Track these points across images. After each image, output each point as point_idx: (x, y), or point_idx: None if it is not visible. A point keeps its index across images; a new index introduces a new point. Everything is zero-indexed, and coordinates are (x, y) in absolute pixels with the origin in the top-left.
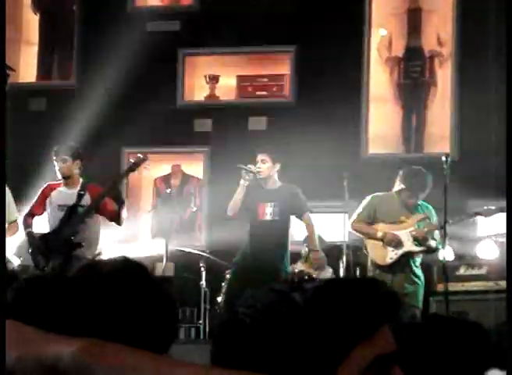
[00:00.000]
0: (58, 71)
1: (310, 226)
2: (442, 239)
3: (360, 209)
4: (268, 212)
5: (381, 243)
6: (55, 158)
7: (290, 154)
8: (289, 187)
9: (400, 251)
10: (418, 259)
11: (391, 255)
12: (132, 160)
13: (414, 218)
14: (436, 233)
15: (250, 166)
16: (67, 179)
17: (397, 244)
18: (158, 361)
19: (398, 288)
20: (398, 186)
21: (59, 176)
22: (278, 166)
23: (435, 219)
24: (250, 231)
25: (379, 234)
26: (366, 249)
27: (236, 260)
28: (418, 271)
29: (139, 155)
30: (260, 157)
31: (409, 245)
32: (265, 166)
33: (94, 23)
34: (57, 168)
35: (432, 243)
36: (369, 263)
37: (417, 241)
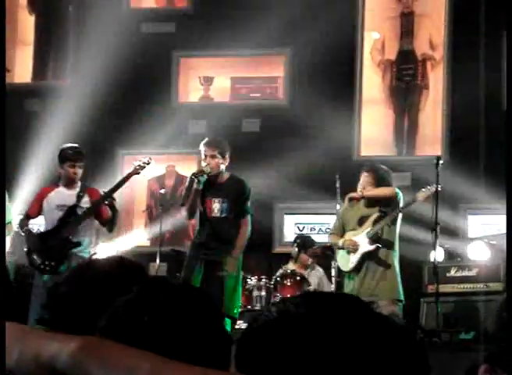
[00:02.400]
0: (53, 72)
1: (243, 232)
2: (433, 237)
3: (334, 221)
4: (215, 208)
5: (345, 251)
6: (70, 162)
7: (283, 156)
8: (235, 182)
9: (358, 255)
10: (393, 257)
11: (352, 259)
12: (136, 163)
13: (370, 220)
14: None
15: (201, 169)
16: (70, 181)
17: (355, 248)
18: (156, 361)
19: (365, 289)
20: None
21: (64, 178)
22: (227, 161)
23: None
24: (201, 228)
25: (340, 243)
26: (336, 259)
27: (188, 252)
28: (387, 265)
29: (143, 158)
30: (207, 152)
31: (365, 246)
32: (214, 161)
33: (89, 24)
34: (71, 172)
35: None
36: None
37: (375, 239)
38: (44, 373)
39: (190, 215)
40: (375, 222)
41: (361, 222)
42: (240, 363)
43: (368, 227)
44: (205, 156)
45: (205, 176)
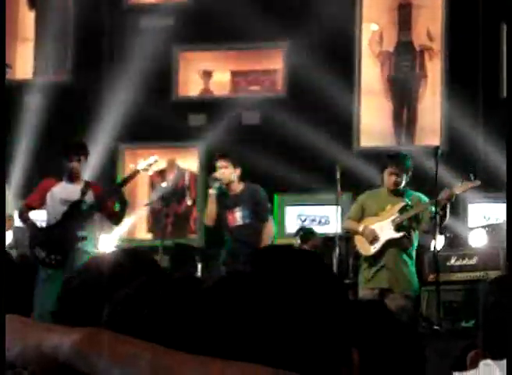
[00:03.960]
0: (54, 67)
1: (266, 238)
2: (432, 226)
3: (351, 208)
4: (237, 216)
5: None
6: (67, 156)
7: (283, 148)
8: (251, 189)
9: (382, 240)
10: (411, 246)
11: (374, 245)
12: (147, 162)
13: (396, 206)
14: (426, 217)
15: (214, 174)
16: (74, 176)
17: (374, 238)
18: (158, 351)
19: (380, 278)
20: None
21: (67, 172)
22: (238, 171)
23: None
24: (226, 237)
25: (360, 229)
26: (354, 243)
27: (221, 261)
28: (407, 257)
29: (152, 156)
30: (220, 163)
31: (390, 233)
32: (227, 172)
33: (88, 19)
34: (69, 166)
35: (421, 226)
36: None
37: (401, 227)
38: (46, 365)
39: (208, 221)
40: (402, 210)
41: (384, 209)
42: (186, 322)
43: (393, 214)
44: (218, 168)
45: (218, 183)
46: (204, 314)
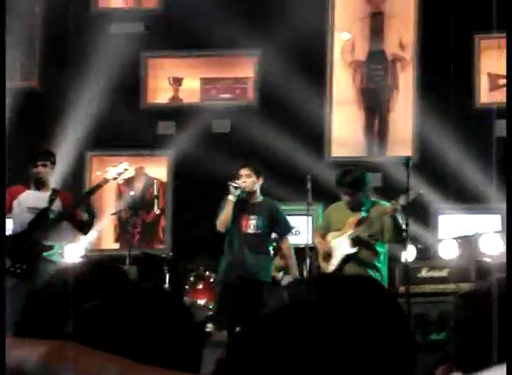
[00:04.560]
0: (21, 73)
1: (289, 252)
2: (396, 236)
3: (320, 221)
4: (251, 224)
5: (326, 253)
6: (33, 161)
7: (253, 157)
8: (270, 202)
9: (339, 257)
10: (375, 258)
11: (333, 261)
12: (111, 168)
13: (351, 221)
14: (387, 226)
15: (237, 181)
16: (41, 183)
17: (327, 255)
18: (125, 364)
19: None
20: None
21: (32, 179)
22: (261, 180)
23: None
24: (234, 243)
25: (317, 244)
26: (319, 260)
27: (222, 270)
28: (372, 271)
29: (122, 164)
30: (244, 171)
31: (346, 249)
32: (250, 180)
33: (56, 24)
34: (34, 172)
35: (385, 237)
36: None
37: (358, 242)
38: None
39: (221, 226)
40: (359, 223)
41: (345, 223)
42: (249, 347)
43: (350, 229)
44: (241, 176)
45: (239, 191)
46: (257, 340)
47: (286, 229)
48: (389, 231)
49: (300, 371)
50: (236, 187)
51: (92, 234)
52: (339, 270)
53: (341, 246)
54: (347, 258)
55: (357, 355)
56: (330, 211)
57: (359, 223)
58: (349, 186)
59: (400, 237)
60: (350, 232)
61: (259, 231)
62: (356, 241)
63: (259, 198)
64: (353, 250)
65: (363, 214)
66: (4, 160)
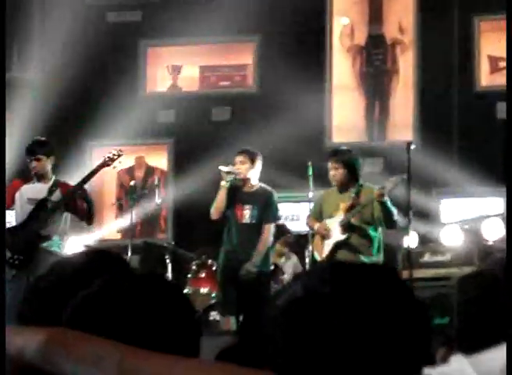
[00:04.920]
0: (18, 63)
1: (264, 239)
2: (387, 218)
3: (312, 205)
4: (245, 214)
5: (319, 239)
6: (28, 156)
7: (254, 144)
8: (265, 191)
9: (330, 244)
10: (368, 244)
11: (325, 249)
12: (107, 155)
13: (342, 207)
14: (377, 210)
15: (230, 166)
16: (40, 176)
17: (327, 234)
18: (124, 349)
19: None
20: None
21: (32, 172)
22: (256, 167)
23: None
24: (230, 233)
25: (315, 227)
26: (312, 247)
27: (221, 261)
28: (365, 257)
29: (114, 150)
30: (238, 158)
31: (337, 236)
32: (244, 167)
33: (54, 13)
34: (31, 166)
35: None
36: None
37: (349, 227)
38: (12, 366)
39: (215, 213)
40: (348, 209)
41: (337, 209)
42: (264, 338)
43: (340, 215)
44: (236, 162)
45: (232, 177)
46: (277, 332)
47: (271, 218)
48: (379, 217)
49: (319, 358)
50: (228, 173)
51: (94, 224)
52: (331, 257)
53: (332, 232)
54: (339, 245)
55: (373, 341)
56: (322, 196)
57: (349, 208)
58: (336, 160)
59: (392, 223)
60: (340, 218)
61: (254, 221)
62: (346, 226)
63: (255, 186)
64: (344, 236)
65: (352, 197)
66: (4, 160)
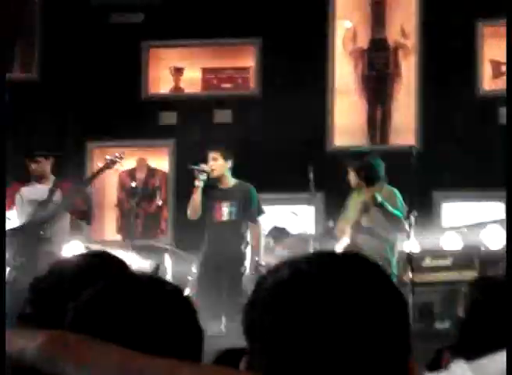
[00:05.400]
0: (20, 65)
1: (256, 235)
2: (404, 228)
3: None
4: (224, 212)
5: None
6: (27, 158)
7: (256, 146)
8: (243, 186)
9: (341, 247)
10: (382, 247)
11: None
12: (108, 157)
13: (357, 209)
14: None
15: (202, 165)
16: (39, 177)
17: (340, 236)
18: (125, 353)
19: None
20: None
21: (32, 174)
22: (230, 163)
23: (400, 202)
24: (209, 232)
25: (342, 238)
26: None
27: (201, 262)
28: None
29: (116, 153)
30: (211, 155)
31: (346, 239)
32: (217, 164)
33: (56, 14)
34: (30, 168)
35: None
36: None
37: (356, 230)
38: (13, 368)
39: (193, 214)
40: (360, 213)
41: (354, 211)
42: (248, 323)
43: (354, 217)
44: (209, 160)
45: (205, 175)
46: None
47: (256, 213)
48: (383, 220)
49: (307, 338)
50: (201, 171)
51: (95, 225)
52: None
53: (345, 235)
54: (349, 248)
55: (360, 321)
56: (349, 201)
57: (361, 212)
58: (352, 163)
59: (397, 224)
60: (354, 220)
61: (233, 218)
62: (356, 228)
63: (231, 182)
64: (352, 239)
65: (365, 199)
66: (4, 161)
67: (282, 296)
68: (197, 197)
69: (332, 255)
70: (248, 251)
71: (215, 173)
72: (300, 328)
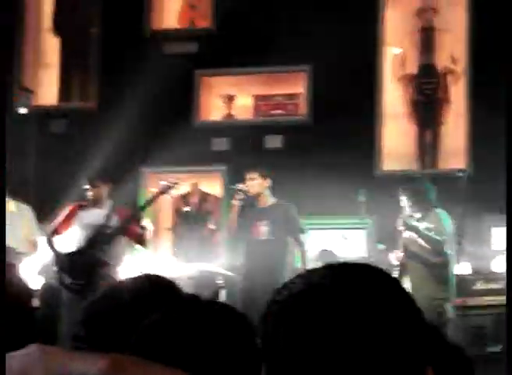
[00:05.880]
0: (79, 94)
1: (303, 252)
2: (455, 252)
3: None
4: (262, 230)
5: None
6: (86, 184)
7: (306, 171)
8: (282, 205)
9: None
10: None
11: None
12: (164, 183)
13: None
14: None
15: (239, 185)
16: (96, 201)
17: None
18: None
19: None
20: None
21: (89, 199)
22: (268, 182)
23: (446, 226)
24: (247, 251)
25: None
26: None
27: (241, 280)
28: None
29: (171, 179)
30: (248, 175)
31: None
32: (254, 183)
33: (112, 46)
34: (88, 193)
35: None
36: None
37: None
38: None
39: (229, 232)
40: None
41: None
42: (262, 335)
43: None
44: (246, 180)
45: (241, 195)
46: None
47: (298, 231)
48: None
49: (320, 349)
50: (238, 191)
51: (150, 250)
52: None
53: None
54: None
55: (374, 332)
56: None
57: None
58: (404, 188)
59: (437, 248)
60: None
61: (272, 237)
62: (402, 256)
63: (269, 202)
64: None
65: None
66: (4, 162)
67: (295, 308)
68: (233, 215)
69: (343, 266)
70: (290, 269)
71: (253, 192)
72: (313, 340)
